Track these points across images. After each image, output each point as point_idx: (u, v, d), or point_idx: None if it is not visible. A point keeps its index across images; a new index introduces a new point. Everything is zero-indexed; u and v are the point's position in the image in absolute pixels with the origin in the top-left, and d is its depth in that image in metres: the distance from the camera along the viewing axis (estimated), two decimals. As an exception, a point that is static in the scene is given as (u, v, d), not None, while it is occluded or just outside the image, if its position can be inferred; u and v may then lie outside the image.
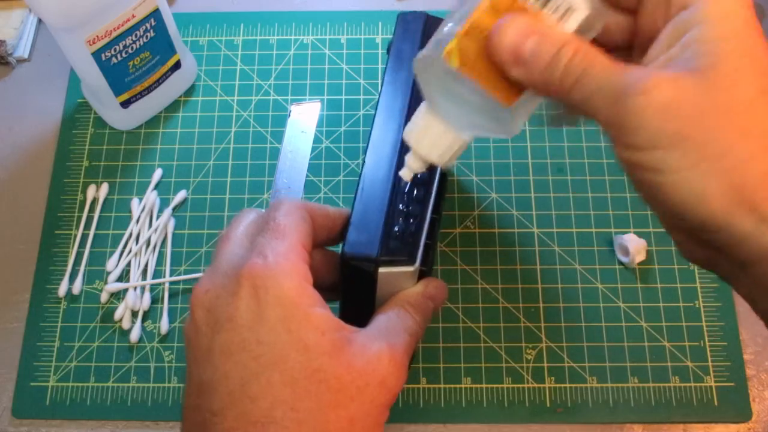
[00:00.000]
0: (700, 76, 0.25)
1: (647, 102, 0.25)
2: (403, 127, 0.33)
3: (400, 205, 0.36)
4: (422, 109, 0.31)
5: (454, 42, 0.28)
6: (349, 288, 0.35)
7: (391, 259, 0.34)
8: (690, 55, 0.26)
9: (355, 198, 0.36)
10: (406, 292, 0.34)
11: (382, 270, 0.34)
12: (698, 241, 0.28)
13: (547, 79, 0.26)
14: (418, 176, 0.35)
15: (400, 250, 0.34)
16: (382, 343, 0.31)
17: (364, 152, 0.39)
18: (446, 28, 0.29)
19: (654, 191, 0.26)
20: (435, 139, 0.31)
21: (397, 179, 0.36)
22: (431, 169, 0.33)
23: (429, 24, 0.45)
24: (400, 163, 0.37)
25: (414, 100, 0.41)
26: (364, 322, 0.33)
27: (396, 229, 0.35)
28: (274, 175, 0.56)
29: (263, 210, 0.35)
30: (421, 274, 0.36)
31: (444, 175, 0.40)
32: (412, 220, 0.35)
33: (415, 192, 0.36)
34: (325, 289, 0.34)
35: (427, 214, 0.36)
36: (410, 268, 0.34)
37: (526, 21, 0.27)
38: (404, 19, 0.45)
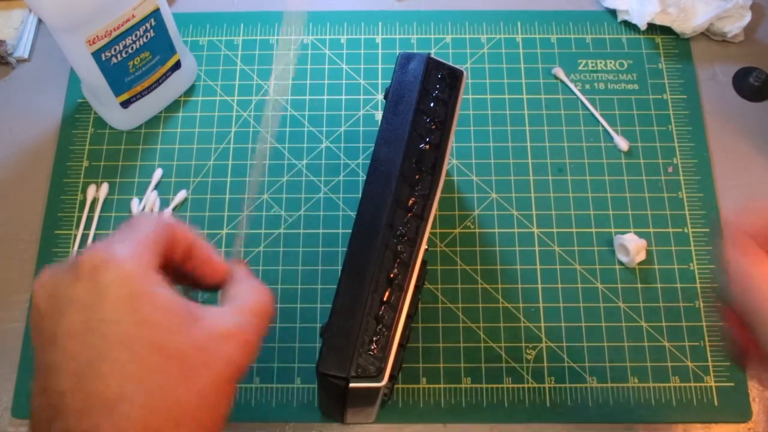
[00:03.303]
0: None
1: None
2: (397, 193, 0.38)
3: (377, 313, 0.38)
4: None
5: None
6: (324, 389, 0.39)
7: (362, 376, 0.37)
8: None
9: (335, 300, 0.38)
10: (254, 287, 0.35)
11: (352, 385, 0.37)
12: None
13: None
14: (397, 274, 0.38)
15: (370, 367, 0.37)
16: (229, 323, 0.31)
17: (353, 224, 0.40)
18: None
19: None
20: None
21: (375, 284, 0.38)
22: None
23: (431, 68, 0.44)
24: (382, 258, 0.39)
25: (410, 163, 0.41)
26: (340, 415, 0.38)
27: (369, 344, 0.37)
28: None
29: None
30: (392, 378, 0.38)
31: (424, 263, 0.41)
32: (386, 331, 0.38)
33: (392, 299, 0.39)
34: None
35: (401, 322, 0.38)
36: (379, 384, 0.37)
37: None
38: (405, 58, 0.44)
